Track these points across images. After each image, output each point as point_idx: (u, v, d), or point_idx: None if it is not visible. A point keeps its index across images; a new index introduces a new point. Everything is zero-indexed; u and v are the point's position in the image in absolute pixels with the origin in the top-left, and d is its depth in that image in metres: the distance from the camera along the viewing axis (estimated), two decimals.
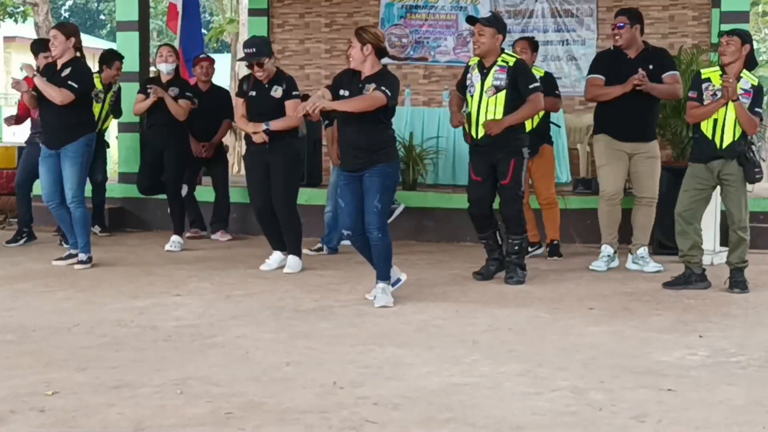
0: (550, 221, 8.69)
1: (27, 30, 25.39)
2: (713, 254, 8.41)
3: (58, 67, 7.81)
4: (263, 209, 7.88)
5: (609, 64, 8.11)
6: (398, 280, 6.68)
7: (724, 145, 7.06)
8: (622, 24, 7.96)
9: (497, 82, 7.20)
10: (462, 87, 7.51)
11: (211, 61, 10.15)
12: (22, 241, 9.24)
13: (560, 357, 5.09)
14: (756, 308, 6.53)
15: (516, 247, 7.40)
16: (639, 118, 7.95)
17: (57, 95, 7.66)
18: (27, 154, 9.32)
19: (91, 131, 8.11)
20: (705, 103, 7.09)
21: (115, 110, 10.04)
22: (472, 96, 7.29)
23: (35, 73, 7.93)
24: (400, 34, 12.97)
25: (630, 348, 5.32)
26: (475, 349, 5.25)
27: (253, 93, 7.72)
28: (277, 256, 7.91)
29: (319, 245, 8.83)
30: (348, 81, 6.61)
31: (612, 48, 8.30)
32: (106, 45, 11.80)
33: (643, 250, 8.07)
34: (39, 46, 9.31)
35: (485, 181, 7.36)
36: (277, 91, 7.67)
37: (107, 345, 5.29)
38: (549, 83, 8.40)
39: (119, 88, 10.06)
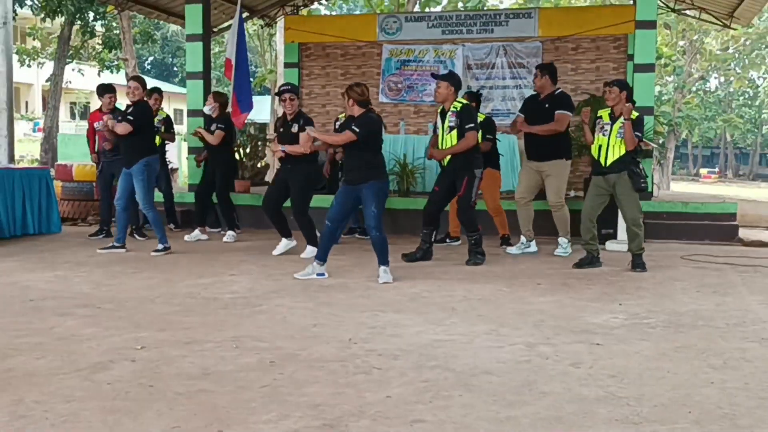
0: (498, 222, 8.64)
1: (120, 79, 25.34)
2: (617, 243, 8.39)
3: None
4: (267, 209, 7.96)
5: (528, 105, 8.24)
6: (321, 274, 6.63)
7: (608, 163, 7.12)
8: (534, 73, 8.19)
9: (451, 123, 7.32)
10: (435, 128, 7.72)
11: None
12: (101, 236, 9.19)
13: (517, 320, 5.08)
14: (661, 283, 6.52)
15: (473, 241, 7.46)
16: (539, 145, 8.02)
17: (121, 130, 7.83)
18: (102, 172, 9.33)
19: (149, 155, 8.03)
20: (597, 133, 7.21)
21: (167, 133, 9.89)
22: (439, 134, 7.46)
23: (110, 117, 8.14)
24: (396, 81, 12.94)
25: (568, 313, 5.31)
26: (454, 314, 5.24)
27: (281, 129, 7.84)
28: (283, 242, 7.95)
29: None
30: (345, 122, 6.87)
31: (534, 92, 8.34)
32: (180, 90, 11.74)
33: (562, 240, 8.10)
34: (103, 89, 9.27)
35: (441, 192, 7.53)
36: (294, 127, 7.73)
37: (181, 311, 5.28)
38: (488, 126, 8.38)
39: (166, 117, 9.97)
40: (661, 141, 23.52)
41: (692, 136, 49.70)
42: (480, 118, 8.10)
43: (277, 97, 7.94)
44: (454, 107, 7.31)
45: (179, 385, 3.65)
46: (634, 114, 7.14)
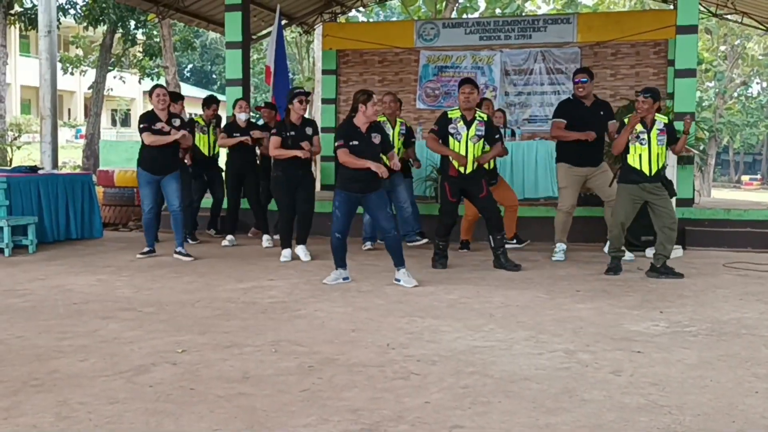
0: (510, 221, 8.59)
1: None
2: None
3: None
4: (290, 218, 7.99)
5: (571, 110, 8.00)
6: (346, 278, 6.68)
7: (653, 172, 7.03)
8: (585, 79, 7.88)
9: (479, 133, 7.27)
10: (441, 132, 7.34)
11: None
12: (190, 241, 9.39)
13: (556, 326, 5.04)
14: (703, 291, 6.42)
15: (501, 241, 7.44)
16: (595, 151, 7.94)
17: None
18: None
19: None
20: (632, 143, 7.03)
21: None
22: (458, 141, 7.26)
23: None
24: (434, 87, 12.96)
25: (608, 320, 5.25)
26: (492, 321, 5.22)
27: (293, 132, 7.79)
28: (288, 251, 7.96)
29: (368, 244, 8.85)
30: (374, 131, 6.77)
31: (571, 97, 8.14)
32: (219, 97, 11.87)
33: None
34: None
35: (456, 203, 7.53)
36: (308, 130, 7.86)
37: (221, 315, 5.33)
38: (499, 135, 8.32)
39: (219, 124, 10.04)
40: (702, 147, 23.19)
41: (734, 143, 48.98)
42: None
43: (300, 98, 7.81)
44: (480, 117, 7.31)
45: (219, 388, 3.69)
46: (664, 119, 7.13)
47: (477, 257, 8.19)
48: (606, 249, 7.87)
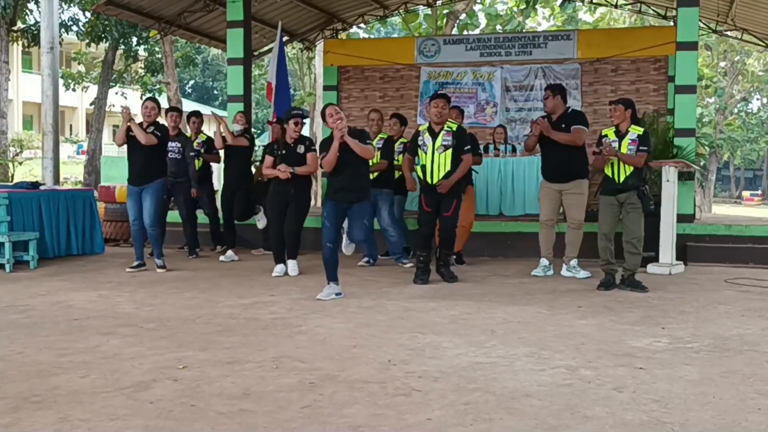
0: (462, 238, 8.53)
1: (162, 101, 25.80)
2: (671, 266, 8.29)
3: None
4: (279, 233, 8.01)
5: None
6: (339, 293, 6.70)
7: (622, 179, 7.12)
8: (546, 96, 8.00)
9: (446, 143, 7.33)
10: (413, 149, 7.56)
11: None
12: (194, 255, 9.52)
13: (558, 342, 5.03)
14: (705, 307, 6.40)
15: (447, 257, 7.66)
16: (560, 167, 7.89)
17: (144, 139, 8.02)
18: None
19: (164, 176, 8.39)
20: (602, 152, 7.13)
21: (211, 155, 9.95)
22: (425, 153, 7.37)
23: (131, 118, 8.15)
24: None
25: (610, 336, 5.23)
26: (494, 337, 5.20)
27: (284, 151, 7.83)
28: (281, 267, 8.02)
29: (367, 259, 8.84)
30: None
31: (545, 113, 8.14)
32: (221, 113, 12.00)
33: (574, 261, 8.00)
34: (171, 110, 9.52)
35: (432, 212, 7.53)
36: (300, 149, 7.80)
37: (222, 331, 5.31)
38: (474, 143, 8.37)
39: (207, 139, 9.94)
40: (702, 163, 23.21)
41: (734, 158, 49.03)
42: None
43: (296, 119, 7.86)
44: (448, 127, 7.38)
45: (221, 405, 3.67)
46: (639, 130, 7.21)
47: (478, 273, 8.18)
48: (570, 264, 7.92)
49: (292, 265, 8.04)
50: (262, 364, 4.42)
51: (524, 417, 3.54)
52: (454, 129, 7.41)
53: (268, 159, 7.95)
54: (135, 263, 8.22)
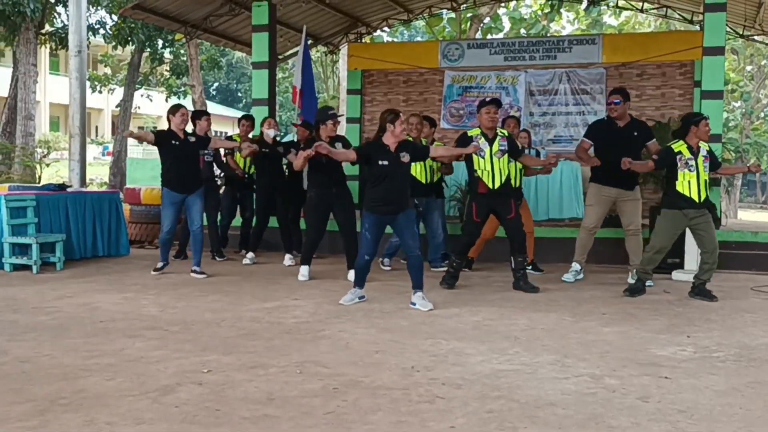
0: (528, 247, 8.46)
1: (186, 104, 25.99)
2: (691, 273, 8.20)
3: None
4: (317, 239, 8.07)
5: (603, 130, 7.92)
6: (363, 297, 6.70)
7: (701, 199, 7.02)
8: (618, 101, 7.79)
9: (503, 148, 7.30)
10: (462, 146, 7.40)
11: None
12: (181, 257, 9.47)
13: (581, 350, 5.00)
14: (730, 315, 6.34)
15: (523, 262, 7.47)
16: (630, 174, 7.71)
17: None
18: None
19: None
20: (680, 169, 6.97)
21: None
22: (483, 158, 7.26)
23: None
24: (458, 107, 12.99)
25: (634, 344, 5.20)
26: (517, 344, 5.18)
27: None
28: (307, 270, 7.98)
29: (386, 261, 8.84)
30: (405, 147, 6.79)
31: (606, 118, 8.04)
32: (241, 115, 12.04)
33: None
34: (196, 114, 9.51)
35: (480, 223, 7.50)
36: (338, 146, 7.73)
37: (246, 335, 5.34)
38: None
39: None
40: None
41: (761, 163, 48.44)
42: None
43: (335, 120, 7.92)
44: (501, 133, 7.40)
45: (245, 410, 3.69)
46: (706, 146, 7.14)
47: (500, 278, 8.15)
48: (632, 273, 7.78)
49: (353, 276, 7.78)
50: (286, 368, 4.43)
51: (548, 426, 3.53)
52: (507, 135, 7.46)
53: (303, 154, 7.72)
54: (160, 264, 8.25)
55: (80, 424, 3.48)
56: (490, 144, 7.28)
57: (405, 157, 6.54)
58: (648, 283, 7.60)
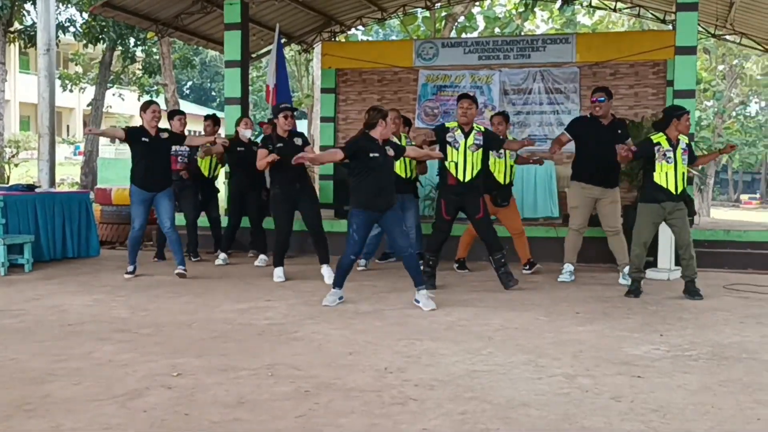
0: (521, 247, 8.55)
1: (159, 102, 25.80)
2: (669, 272, 8.27)
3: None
4: (287, 237, 8.02)
5: (587, 128, 7.92)
6: (341, 297, 6.66)
7: (678, 191, 7.04)
8: (602, 98, 7.80)
9: (477, 142, 7.29)
10: (436, 140, 7.38)
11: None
12: (161, 259, 9.37)
13: (555, 350, 5.00)
14: (703, 313, 6.38)
15: (502, 260, 7.38)
16: (610, 172, 7.84)
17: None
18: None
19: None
20: (658, 161, 7.01)
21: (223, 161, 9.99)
22: (457, 150, 7.25)
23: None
24: (433, 106, 12.98)
25: (608, 344, 5.21)
26: (491, 344, 5.17)
27: (281, 145, 7.76)
28: (282, 271, 7.93)
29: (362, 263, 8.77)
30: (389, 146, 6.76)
31: (589, 116, 8.04)
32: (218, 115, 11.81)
33: (628, 268, 7.91)
34: (170, 114, 9.41)
35: (450, 220, 7.45)
36: (298, 141, 7.80)
37: (217, 337, 5.28)
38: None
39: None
40: (701, 167, 23.18)
41: (732, 162, 49.00)
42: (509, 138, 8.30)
43: (285, 113, 7.90)
44: (478, 128, 7.37)
45: (215, 414, 3.64)
46: (686, 139, 7.19)
47: (475, 278, 8.15)
48: (624, 272, 7.79)
49: (327, 271, 7.77)
50: (258, 371, 4.39)
51: (521, 427, 3.51)
52: (483, 130, 7.41)
53: (262, 152, 7.84)
54: (131, 268, 8.09)
55: (46, 429, 3.41)
56: (465, 137, 7.27)
57: (390, 151, 6.59)
58: (621, 279, 7.69)
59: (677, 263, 8.15)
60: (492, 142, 7.44)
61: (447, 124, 7.48)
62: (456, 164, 7.28)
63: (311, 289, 7.34)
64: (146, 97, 23.56)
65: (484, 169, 7.46)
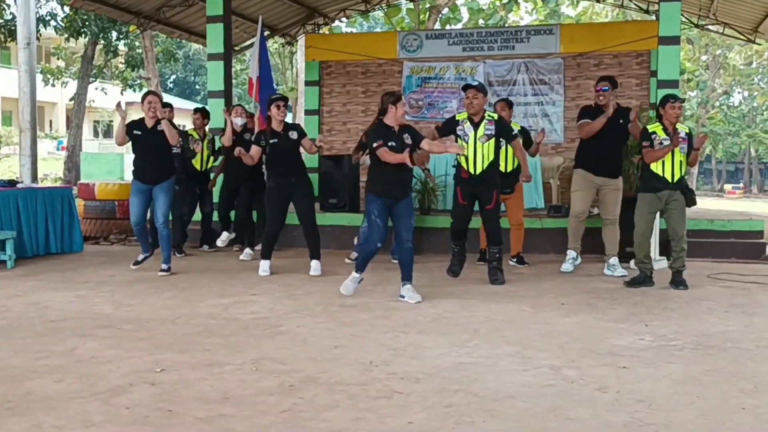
0: (516, 239, 8.54)
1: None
2: (654, 262, 8.28)
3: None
4: (277, 231, 7.96)
5: (593, 115, 7.85)
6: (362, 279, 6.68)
7: (675, 179, 7.05)
8: (606, 87, 7.75)
9: (488, 132, 7.15)
10: (444, 131, 7.25)
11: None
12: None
13: (541, 341, 4.99)
14: (688, 303, 6.40)
15: (497, 255, 7.34)
16: (613, 162, 7.85)
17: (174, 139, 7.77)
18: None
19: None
20: (656, 148, 7.04)
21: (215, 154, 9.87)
22: (467, 143, 7.13)
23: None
24: (417, 98, 12.94)
25: (593, 334, 5.21)
26: (476, 336, 5.16)
27: (275, 140, 7.69)
28: (268, 264, 7.87)
29: (356, 254, 8.72)
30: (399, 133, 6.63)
31: (594, 105, 7.97)
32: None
33: (615, 260, 7.94)
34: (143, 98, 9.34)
35: (468, 206, 7.35)
36: (293, 135, 7.73)
37: (201, 332, 5.24)
38: (526, 135, 8.30)
39: (213, 137, 9.90)
40: None
41: (716, 152, 49.31)
42: (516, 127, 8.05)
43: (277, 103, 7.80)
44: (489, 117, 7.20)
45: (199, 410, 3.61)
46: (686, 128, 7.22)
47: (462, 270, 8.12)
48: (610, 262, 7.83)
49: (316, 266, 7.78)
50: (242, 366, 4.36)
51: (507, 419, 3.50)
52: (496, 119, 7.25)
53: (255, 149, 7.77)
54: (141, 257, 8.04)
55: (27, 428, 3.37)
56: (475, 129, 7.15)
57: (408, 139, 6.51)
58: (605, 270, 7.72)
59: (662, 253, 8.20)
60: (504, 133, 7.28)
61: (457, 116, 7.34)
62: (466, 158, 7.18)
63: (297, 283, 7.31)
64: (129, 91, 23.44)
65: (497, 159, 7.33)
